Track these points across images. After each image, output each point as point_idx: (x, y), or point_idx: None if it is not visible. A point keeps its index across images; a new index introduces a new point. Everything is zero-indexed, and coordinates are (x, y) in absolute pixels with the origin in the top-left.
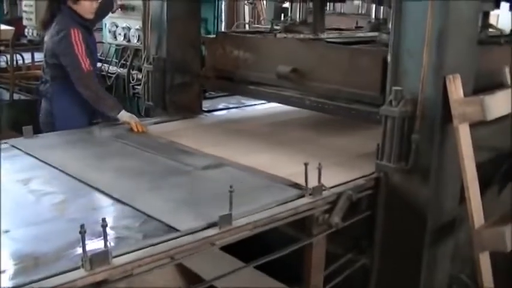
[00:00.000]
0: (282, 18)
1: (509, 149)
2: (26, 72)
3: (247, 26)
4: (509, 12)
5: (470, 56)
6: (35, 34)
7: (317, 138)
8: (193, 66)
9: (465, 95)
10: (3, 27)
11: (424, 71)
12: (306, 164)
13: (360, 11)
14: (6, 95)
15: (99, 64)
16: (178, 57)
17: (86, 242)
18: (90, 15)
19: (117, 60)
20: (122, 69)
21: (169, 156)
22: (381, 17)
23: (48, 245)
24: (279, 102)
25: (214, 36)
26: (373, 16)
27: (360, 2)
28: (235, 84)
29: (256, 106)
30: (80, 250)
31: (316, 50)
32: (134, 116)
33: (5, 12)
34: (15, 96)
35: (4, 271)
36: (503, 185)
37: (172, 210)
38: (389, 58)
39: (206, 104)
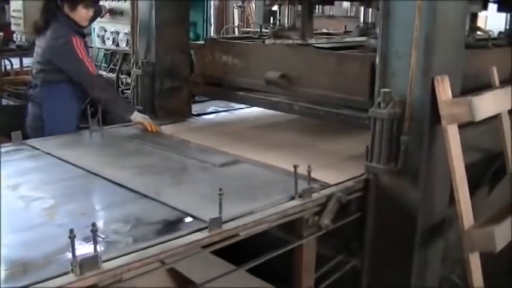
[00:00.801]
0: (271, 21)
1: (498, 150)
2: (15, 78)
3: (236, 29)
4: (498, 14)
5: (458, 57)
6: (23, 39)
7: (309, 141)
8: (182, 70)
9: (453, 96)
10: None
11: (412, 72)
12: (295, 166)
13: (349, 14)
14: None
15: None
16: (167, 62)
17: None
18: (85, 23)
19: (106, 65)
20: (111, 73)
21: (185, 154)
22: (370, 19)
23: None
24: (268, 108)
25: (202, 42)
26: (362, 19)
27: (349, 4)
28: (225, 90)
29: (245, 109)
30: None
31: (304, 56)
32: (147, 117)
33: None
34: (4, 102)
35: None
36: (492, 186)
37: (197, 204)
38: (377, 60)
39: (196, 108)
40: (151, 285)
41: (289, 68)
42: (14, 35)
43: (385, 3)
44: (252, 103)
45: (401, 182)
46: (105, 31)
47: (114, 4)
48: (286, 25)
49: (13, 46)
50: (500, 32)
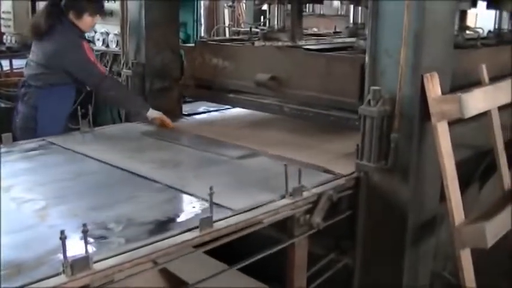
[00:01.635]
0: (262, 20)
1: (488, 147)
2: (5, 80)
3: (227, 29)
4: (488, 11)
5: (447, 54)
6: (13, 41)
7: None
8: (172, 70)
9: (443, 93)
10: None
11: (402, 70)
12: (285, 165)
13: (339, 13)
14: None
15: None
16: (157, 62)
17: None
18: (88, 30)
19: None
20: None
21: (202, 148)
22: (360, 19)
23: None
24: (258, 110)
25: (193, 45)
26: (352, 18)
27: (339, 3)
28: (215, 92)
29: (236, 109)
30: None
31: (294, 58)
32: (161, 113)
33: None
34: None
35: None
36: (483, 183)
37: (222, 194)
38: (367, 58)
39: (186, 108)
40: (143, 285)
41: (279, 70)
42: (4, 37)
43: (374, 1)
44: (242, 105)
45: (391, 180)
46: (95, 32)
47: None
48: (276, 26)
49: (3, 48)
50: (489, 31)
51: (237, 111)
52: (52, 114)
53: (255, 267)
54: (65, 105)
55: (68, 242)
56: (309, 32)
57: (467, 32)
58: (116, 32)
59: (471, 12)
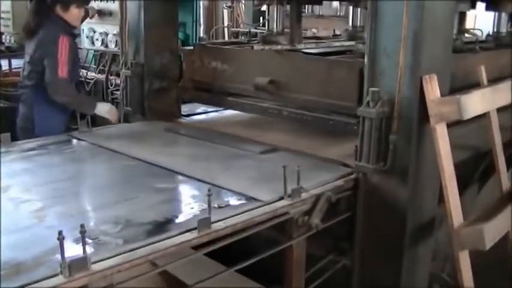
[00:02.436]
0: (261, 21)
1: (487, 148)
2: (4, 79)
3: (226, 30)
4: (487, 12)
5: (446, 56)
6: (12, 41)
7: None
8: (171, 71)
9: (442, 94)
10: None
11: (401, 71)
12: (284, 167)
13: (338, 13)
14: None
15: None
16: (156, 62)
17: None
18: (78, 23)
19: (95, 66)
20: (100, 74)
21: (225, 144)
22: (359, 22)
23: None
24: (257, 113)
25: (191, 48)
26: (351, 19)
27: (338, 4)
28: (214, 95)
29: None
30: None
31: (293, 62)
32: (111, 107)
33: None
34: None
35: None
36: (481, 184)
37: (249, 186)
38: (366, 59)
39: (185, 109)
40: (141, 285)
41: (278, 73)
42: (3, 37)
43: (373, 2)
44: (241, 109)
45: (390, 181)
46: (94, 32)
47: (102, 5)
48: (275, 29)
49: (2, 48)
50: (488, 35)
51: (236, 112)
52: (48, 114)
53: (254, 268)
54: (60, 106)
55: (66, 243)
56: (308, 32)
57: (466, 35)
58: (114, 32)
59: (470, 14)
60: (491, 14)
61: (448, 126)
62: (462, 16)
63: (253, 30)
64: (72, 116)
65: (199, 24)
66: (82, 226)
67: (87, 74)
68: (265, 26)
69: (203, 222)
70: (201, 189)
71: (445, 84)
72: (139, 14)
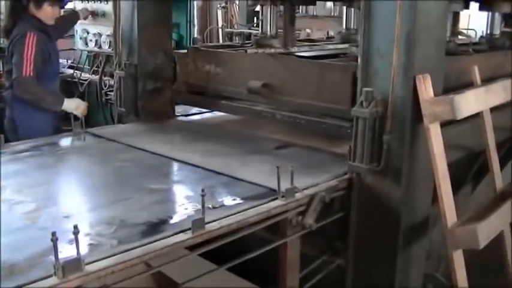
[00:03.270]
0: (255, 21)
1: (481, 148)
2: None
3: (220, 30)
4: (480, 12)
5: (439, 56)
6: (3, 42)
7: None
8: (165, 71)
9: (435, 94)
10: None
11: (394, 71)
12: (278, 168)
13: (332, 14)
14: None
15: (70, 71)
16: (150, 63)
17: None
18: (51, 21)
19: (89, 67)
20: (94, 75)
21: (239, 140)
22: (352, 23)
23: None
24: (251, 116)
25: (185, 51)
26: (345, 19)
27: (332, 4)
28: (207, 98)
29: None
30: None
31: (286, 65)
32: (80, 102)
33: None
34: None
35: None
36: (475, 184)
37: (268, 179)
38: (359, 59)
39: (179, 109)
40: (135, 286)
41: (271, 77)
42: None
43: (366, 2)
44: (234, 112)
45: (384, 181)
46: (88, 33)
47: (96, 6)
48: (268, 31)
49: None
50: (481, 37)
51: None
52: (28, 114)
53: (249, 269)
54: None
55: (60, 244)
56: (302, 33)
57: (460, 36)
58: (108, 33)
59: (464, 14)
60: (485, 14)
61: (442, 126)
62: (456, 16)
63: (247, 30)
64: (66, 118)
65: (193, 24)
66: (75, 227)
67: (81, 75)
68: (259, 27)
69: (197, 223)
70: (219, 180)
71: (439, 84)
72: (133, 15)
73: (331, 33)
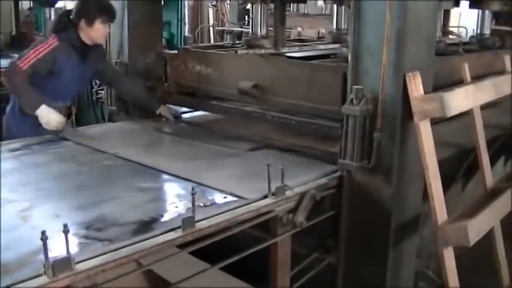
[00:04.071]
0: (246, 19)
1: (471, 145)
2: None
3: (211, 28)
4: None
5: (429, 53)
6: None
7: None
8: (155, 70)
9: (425, 92)
10: None
11: (384, 69)
12: (268, 165)
13: (323, 12)
14: None
15: None
16: (140, 62)
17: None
18: (102, 40)
19: None
20: None
21: (212, 142)
22: (343, 23)
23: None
24: (241, 117)
25: (175, 52)
26: (335, 18)
27: (323, 2)
28: (198, 99)
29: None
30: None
31: (276, 66)
32: (54, 119)
33: None
34: None
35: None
36: (466, 181)
37: (236, 185)
38: (349, 58)
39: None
40: (124, 284)
41: (261, 77)
42: None
43: (356, 1)
44: (225, 112)
45: (374, 179)
46: None
47: None
48: (259, 31)
49: None
50: (471, 36)
51: None
52: (19, 115)
53: (240, 267)
54: None
55: (51, 243)
56: (293, 31)
57: (450, 36)
58: None
59: (455, 11)
60: (475, 12)
61: (432, 123)
62: (446, 15)
63: (238, 29)
64: None
65: (184, 23)
66: (65, 226)
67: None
68: (249, 25)
69: (187, 221)
70: (184, 187)
71: (429, 82)
72: (124, 13)
73: (323, 31)
